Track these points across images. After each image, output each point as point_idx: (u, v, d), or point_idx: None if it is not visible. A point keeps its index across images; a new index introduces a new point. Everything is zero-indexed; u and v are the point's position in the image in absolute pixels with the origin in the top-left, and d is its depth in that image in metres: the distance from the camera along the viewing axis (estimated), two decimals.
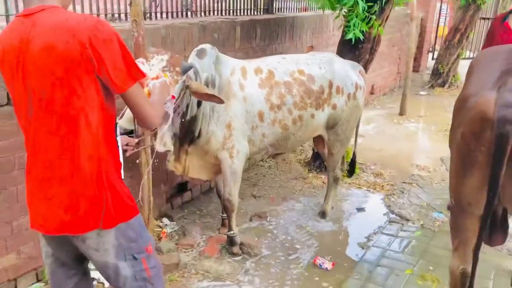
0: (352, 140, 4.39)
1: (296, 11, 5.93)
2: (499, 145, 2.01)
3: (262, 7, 5.30)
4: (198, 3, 4.55)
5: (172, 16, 4.23)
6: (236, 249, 3.54)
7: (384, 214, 4.35)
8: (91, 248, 1.88)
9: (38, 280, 3.15)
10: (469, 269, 2.37)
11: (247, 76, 3.40)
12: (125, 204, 1.89)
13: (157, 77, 2.20)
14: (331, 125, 3.87)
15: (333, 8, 4.35)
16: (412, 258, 3.59)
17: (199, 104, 3.13)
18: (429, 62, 11.44)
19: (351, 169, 4.63)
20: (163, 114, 2.28)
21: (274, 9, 5.44)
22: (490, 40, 3.92)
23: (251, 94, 3.35)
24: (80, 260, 2.07)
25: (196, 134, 3.21)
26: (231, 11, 4.96)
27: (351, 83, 3.86)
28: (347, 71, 3.86)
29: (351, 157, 4.59)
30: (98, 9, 3.40)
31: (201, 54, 3.21)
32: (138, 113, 1.86)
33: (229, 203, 3.47)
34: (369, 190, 4.85)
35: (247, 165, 5.29)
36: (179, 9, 4.38)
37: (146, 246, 1.99)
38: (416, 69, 10.96)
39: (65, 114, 1.71)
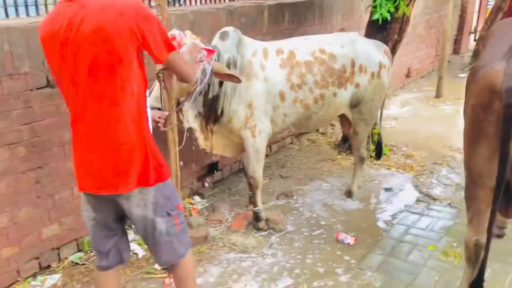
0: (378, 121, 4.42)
1: None
2: (508, 116, 2.02)
3: None
4: None
5: (201, 2, 4.38)
6: (261, 224, 3.69)
7: (411, 194, 4.36)
8: (133, 205, 2.13)
9: (79, 250, 3.41)
10: (483, 240, 2.41)
11: (268, 57, 3.51)
12: (161, 165, 2.15)
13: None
14: (354, 104, 3.92)
15: None
16: (436, 235, 3.62)
17: (220, 84, 3.28)
18: (471, 44, 11.11)
19: (378, 151, 4.64)
20: (197, 69, 2.86)
21: None
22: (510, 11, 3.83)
23: (272, 74, 3.47)
24: (119, 221, 2.30)
25: (219, 112, 3.36)
26: None
27: (374, 62, 3.88)
28: (370, 50, 3.89)
29: (377, 139, 4.60)
30: None
31: (223, 36, 3.36)
32: (178, 73, 2.24)
33: (253, 180, 3.61)
34: (398, 171, 4.86)
35: (276, 147, 5.41)
36: None
37: (177, 204, 2.27)
38: (456, 51, 10.68)
39: (113, 84, 1.94)
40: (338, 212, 4.03)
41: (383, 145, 4.71)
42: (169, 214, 2.23)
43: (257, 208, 3.69)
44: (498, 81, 2.07)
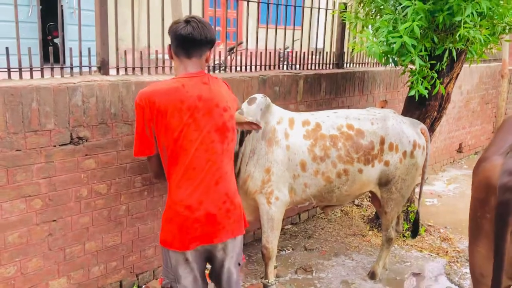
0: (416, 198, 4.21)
1: (370, 66, 5.93)
2: (501, 214, 1.88)
3: (333, 61, 5.40)
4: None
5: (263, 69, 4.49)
6: None
7: (441, 282, 4.05)
8: (230, 252, 2.41)
9: None
10: None
11: (294, 127, 3.51)
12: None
13: None
14: (383, 182, 3.77)
15: (396, 64, 4.32)
16: None
17: (240, 143, 3.31)
18: None
19: (414, 229, 4.38)
20: None
21: (344, 64, 5.51)
22: None
23: (294, 143, 3.45)
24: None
25: (236, 172, 3.35)
26: (316, 65, 5.15)
27: (408, 141, 3.76)
28: (403, 128, 3.78)
29: (415, 216, 4.36)
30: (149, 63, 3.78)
31: (251, 101, 3.44)
32: None
33: (266, 250, 3.51)
34: (431, 255, 4.55)
35: (306, 216, 5.28)
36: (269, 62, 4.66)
37: (243, 255, 2.56)
38: None
39: (232, 145, 2.38)
40: None
41: (419, 224, 4.42)
42: (239, 264, 2.51)
43: (267, 281, 3.56)
44: (495, 176, 1.94)
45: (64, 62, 3.27)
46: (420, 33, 3.78)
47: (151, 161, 2.45)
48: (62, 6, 3.49)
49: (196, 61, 2.31)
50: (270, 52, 4.63)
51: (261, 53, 4.52)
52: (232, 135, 2.39)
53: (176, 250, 2.32)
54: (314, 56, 5.13)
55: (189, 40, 2.25)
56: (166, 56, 3.80)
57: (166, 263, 2.41)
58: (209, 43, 2.33)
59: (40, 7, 3.22)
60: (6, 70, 2.99)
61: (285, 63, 5.18)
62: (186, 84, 2.25)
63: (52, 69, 3.18)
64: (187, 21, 2.27)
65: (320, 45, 5.45)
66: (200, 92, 2.26)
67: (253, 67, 4.51)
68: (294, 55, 5.05)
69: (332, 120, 3.67)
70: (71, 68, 3.29)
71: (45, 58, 3.17)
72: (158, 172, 2.46)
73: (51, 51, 3.16)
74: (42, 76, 3.18)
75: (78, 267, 3.32)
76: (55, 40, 9.08)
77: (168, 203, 2.35)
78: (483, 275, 2.11)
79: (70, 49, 3.23)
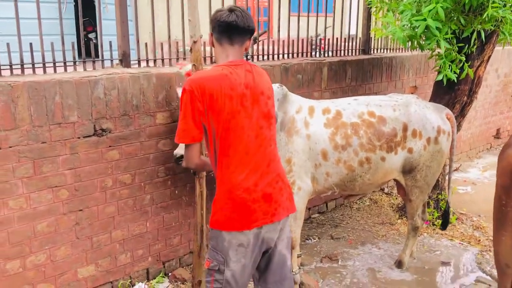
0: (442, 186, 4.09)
1: (399, 51, 5.78)
2: None
3: (359, 47, 5.30)
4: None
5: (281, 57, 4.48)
6: None
7: (472, 272, 3.94)
8: (282, 234, 2.41)
9: None
10: None
11: (314, 115, 3.47)
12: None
13: None
14: (407, 170, 3.69)
15: (422, 48, 4.19)
16: None
17: None
18: None
19: (444, 221, 4.23)
20: None
21: (371, 49, 5.40)
22: None
23: (315, 132, 3.42)
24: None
25: None
26: (342, 51, 5.09)
27: (431, 127, 3.66)
28: (426, 114, 3.68)
29: (445, 207, 4.24)
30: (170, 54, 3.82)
31: None
32: None
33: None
34: (462, 244, 4.42)
35: (334, 205, 5.24)
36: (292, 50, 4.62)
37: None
38: None
39: (274, 129, 2.44)
40: (381, 282, 3.74)
41: (450, 213, 4.28)
42: (290, 251, 2.49)
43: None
44: None
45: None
46: (446, 15, 3.65)
47: (194, 149, 2.35)
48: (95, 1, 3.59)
49: (238, 48, 2.34)
50: (293, 40, 4.59)
51: (283, 41, 4.48)
52: (274, 122, 2.46)
53: (232, 231, 2.29)
54: (339, 43, 5.05)
55: (233, 27, 2.29)
56: (187, 48, 3.85)
57: (215, 246, 2.34)
58: (250, 32, 2.37)
59: (74, 3, 3.30)
60: (31, 65, 3.09)
61: (318, 50, 5.12)
62: (233, 72, 2.28)
63: (74, 63, 3.27)
64: (231, 10, 2.32)
65: (352, 32, 5.36)
66: (246, 80, 2.30)
67: (276, 56, 4.48)
68: (325, 42, 4.98)
69: (353, 107, 3.60)
70: (93, 61, 3.36)
71: (79, 53, 3.29)
72: (198, 160, 2.39)
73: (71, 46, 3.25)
74: (65, 70, 3.27)
75: (105, 255, 3.42)
76: (89, 35, 9.32)
77: (224, 188, 2.30)
78: (509, 266, 2.03)
79: (92, 43, 3.31)
